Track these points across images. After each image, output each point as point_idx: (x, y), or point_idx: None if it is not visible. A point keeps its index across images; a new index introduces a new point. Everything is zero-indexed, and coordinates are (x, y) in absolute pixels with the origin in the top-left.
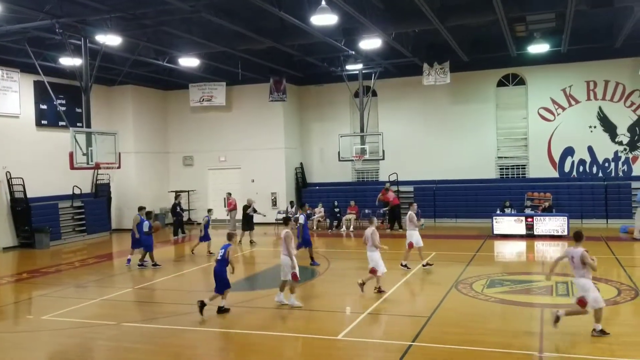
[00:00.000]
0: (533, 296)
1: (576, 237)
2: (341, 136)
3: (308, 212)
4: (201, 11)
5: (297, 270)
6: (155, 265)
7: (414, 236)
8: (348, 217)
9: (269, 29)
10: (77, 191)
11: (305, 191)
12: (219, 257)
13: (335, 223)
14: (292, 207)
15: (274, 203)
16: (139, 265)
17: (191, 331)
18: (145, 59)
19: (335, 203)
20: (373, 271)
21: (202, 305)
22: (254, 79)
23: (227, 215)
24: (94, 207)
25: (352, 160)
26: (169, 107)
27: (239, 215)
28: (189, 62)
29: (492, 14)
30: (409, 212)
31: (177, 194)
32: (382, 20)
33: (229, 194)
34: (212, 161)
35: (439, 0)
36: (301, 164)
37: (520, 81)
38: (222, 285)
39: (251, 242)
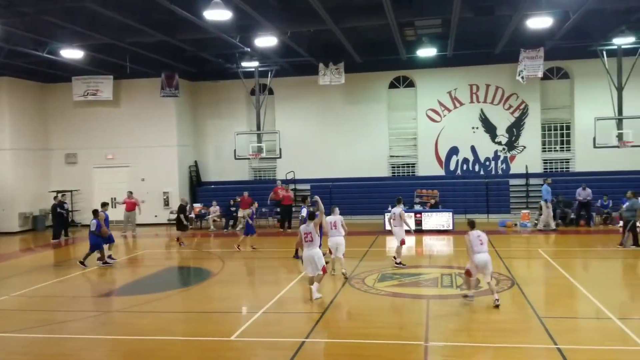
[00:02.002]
0: (421, 288)
1: (472, 224)
2: (237, 134)
3: (203, 211)
4: (85, 0)
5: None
6: (105, 263)
7: (403, 233)
8: (243, 213)
9: (160, 21)
10: None
11: (200, 190)
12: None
13: (231, 222)
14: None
15: (167, 203)
16: (102, 263)
17: (73, 339)
18: (23, 49)
19: (231, 202)
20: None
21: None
22: (144, 73)
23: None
24: None
25: (249, 159)
26: (50, 101)
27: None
28: (71, 53)
29: (384, 18)
30: (400, 210)
31: (57, 194)
32: (277, 19)
33: (130, 192)
34: (98, 159)
35: (334, 2)
36: (195, 162)
37: (410, 83)
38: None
39: (180, 242)
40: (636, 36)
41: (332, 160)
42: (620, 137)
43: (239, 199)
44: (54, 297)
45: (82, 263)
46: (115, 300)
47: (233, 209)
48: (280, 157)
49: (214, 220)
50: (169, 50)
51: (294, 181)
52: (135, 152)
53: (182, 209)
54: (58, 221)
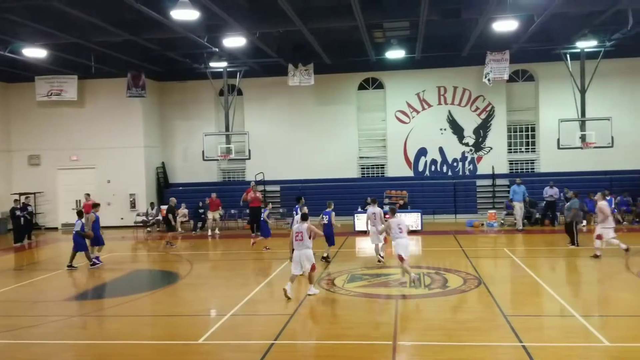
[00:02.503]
0: (389, 288)
1: (393, 212)
2: (206, 135)
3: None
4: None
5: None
6: (94, 264)
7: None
8: (212, 215)
9: (126, 21)
10: None
11: (167, 192)
12: (325, 222)
13: (199, 224)
14: (152, 208)
15: (133, 205)
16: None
17: (39, 345)
18: None
19: (200, 204)
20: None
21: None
22: (109, 73)
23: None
24: None
25: (218, 160)
26: (12, 101)
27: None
28: (35, 52)
29: (353, 20)
30: (377, 209)
31: (19, 197)
32: (246, 19)
33: (88, 194)
34: (62, 160)
35: (302, 3)
36: (163, 163)
37: (379, 85)
38: (331, 240)
39: (169, 243)
40: (598, 40)
41: (302, 161)
42: (583, 138)
43: (208, 201)
44: (17, 301)
45: (69, 266)
46: (81, 304)
47: (202, 210)
48: (249, 158)
49: (182, 222)
50: (135, 50)
51: (264, 182)
52: (101, 153)
53: (171, 210)
54: (18, 224)
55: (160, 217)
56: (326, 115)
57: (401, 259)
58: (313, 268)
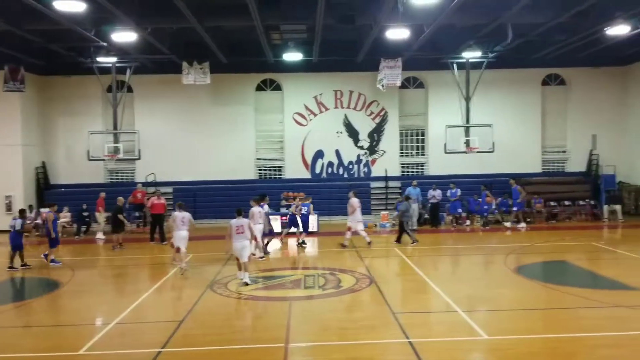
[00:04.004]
0: (284, 290)
1: (180, 207)
2: (91, 133)
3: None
4: None
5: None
6: (25, 265)
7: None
8: (102, 217)
9: (5, 10)
10: None
11: (48, 193)
12: (304, 212)
13: (83, 228)
14: (30, 211)
15: (9, 208)
16: (8, 268)
17: None
18: None
19: (84, 206)
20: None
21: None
22: None
23: None
24: None
25: (104, 160)
26: None
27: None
28: None
29: (249, 20)
30: (259, 208)
31: None
32: (136, 13)
33: None
34: None
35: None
36: (43, 163)
37: (277, 87)
38: (306, 226)
39: (120, 244)
40: (482, 51)
41: (197, 163)
42: (467, 143)
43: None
44: None
45: (10, 267)
46: None
47: (86, 213)
48: (139, 159)
49: (64, 227)
50: (14, 41)
51: (155, 184)
52: None
53: (119, 209)
54: None
55: (39, 221)
56: (223, 116)
57: (178, 250)
58: (249, 259)
